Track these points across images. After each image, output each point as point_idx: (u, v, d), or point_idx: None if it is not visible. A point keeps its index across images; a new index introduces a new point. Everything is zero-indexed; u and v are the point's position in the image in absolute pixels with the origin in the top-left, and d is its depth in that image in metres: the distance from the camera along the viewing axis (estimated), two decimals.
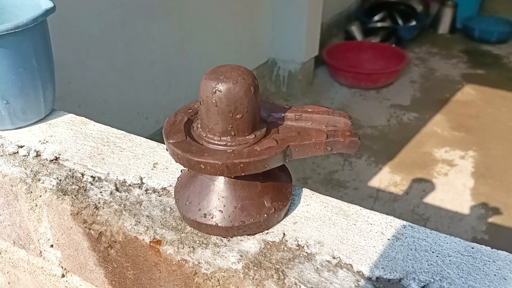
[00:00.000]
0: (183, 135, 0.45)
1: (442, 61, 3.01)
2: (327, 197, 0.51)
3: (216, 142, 0.44)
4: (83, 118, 0.65)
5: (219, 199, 0.46)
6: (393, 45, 2.94)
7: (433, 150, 2.13)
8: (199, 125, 0.47)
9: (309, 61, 2.53)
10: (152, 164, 0.57)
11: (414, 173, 1.97)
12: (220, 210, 0.46)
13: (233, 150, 0.43)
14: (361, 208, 0.50)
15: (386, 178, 1.94)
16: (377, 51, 2.86)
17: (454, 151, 2.13)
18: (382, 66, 2.73)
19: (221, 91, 0.42)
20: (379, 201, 1.83)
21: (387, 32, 3.08)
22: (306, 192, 0.52)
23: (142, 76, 1.71)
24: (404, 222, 0.47)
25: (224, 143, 0.44)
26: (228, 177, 0.46)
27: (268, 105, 0.50)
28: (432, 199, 1.84)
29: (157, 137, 1.82)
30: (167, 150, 0.46)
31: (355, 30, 3.09)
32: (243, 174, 0.43)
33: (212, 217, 0.46)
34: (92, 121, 0.64)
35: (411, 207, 1.80)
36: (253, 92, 0.43)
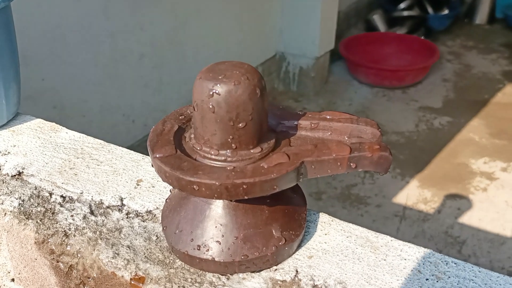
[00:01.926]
0: (172, 148, 0.42)
1: (480, 56, 2.98)
2: (350, 224, 0.48)
3: (213, 157, 0.42)
4: (53, 124, 0.62)
5: (216, 227, 0.43)
6: (422, 37, 2.91)
7: (469, 161, 2.09)
8: (192, 136, 0.44)
9: (323, 56, 2.51)
10: (136, 181, 0.54)
11: (447, 188, 1.93)
12: (217, 241, 0.43)
13: (234, 167, 0.40)
14: (393, 238, 0.47)
15: (414, 194, 1.91)
16: (403, 44, 2.83)
17: (494, 162, 2.09)
18: (409, 62, 2.70)
19: (219, 94, 0.39)
20: (405, 221, 1.80)
21: (415, 22, 3.05)
22: (323, 217, 0.49)
23: (129, 72, 1.69)
24: (447, 258, 0.44)
25: (223, 158, 0.41)
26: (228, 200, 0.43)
27: (277, 110, 0.47)
28: (468, 219, 1.80)
29: (144, 144, 1.79)
30: (152, 165, 0.43)
31: (378, 19, 3.06)
32: (246, 197, 0.40)
33: (208, 250, 0.43)
34: (64, 128, 0.61)
35: (444, 228, 1.77)
36: (259, 95, 0.40)
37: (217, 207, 0.44)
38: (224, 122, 0.40)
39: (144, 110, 1.80)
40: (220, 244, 0.43)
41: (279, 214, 0.45)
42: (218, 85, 0.39)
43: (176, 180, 0.40)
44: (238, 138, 0.41)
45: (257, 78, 0.41)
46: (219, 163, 0.41)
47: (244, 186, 0.39)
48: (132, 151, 0.58)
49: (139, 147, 1.77)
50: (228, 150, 0.42)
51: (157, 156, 0.41)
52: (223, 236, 0.43)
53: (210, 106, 0.40)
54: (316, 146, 0.43)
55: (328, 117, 0.46)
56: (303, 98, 2.52)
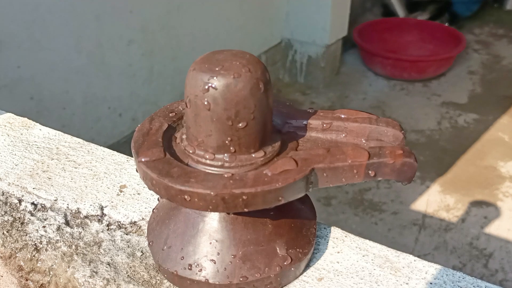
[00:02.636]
0: (160, 151, 0.40)
1: (511, 46, 2.96)
2: (366, 241, 0.46)
3: (208, 161, 0.40)
4: (25, 119, 0.60)
5: (211, 243, 0.41)
6: (446, 24, 2.89)
7: (498, 164, 2.07)
8: (184, 136, 0.42)
9: (335, 44, 2.49)
10: (118, 187, 0.52)
11: (472, 194, 1.92)
12: (212, 260, 0.41)
13: (232, 174, 0.38)
14: (416, 258, 0.44)
15: (436, 200, 1.89)
16: (425, 32, 2.82)
17: None
18: (431, 52, 2.69)
19: (216, 89, 0.37)
20: (425, 231, 1.78)
21: (439, 7, 3.03)
22: (336, 232, 0.47)
23: (116, 60, 1.68)
24: (479, 282, 0.42)
25: (220, 163, 0.39)
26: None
27: (283, 107, 0.45)
28: (496, 229, 1.79)
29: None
30: (137, 171, 0.41)
31: (396, 3, 3.04)
32: (246, 210, 0.38)
33: (201, 270, 0.41)
34: (37, 124, 0.59)
35: (469, 239, 1.75)
36: (262, 90, 0.38)
37: (212, 220, 0.42)
38: (221, 121, 0.38)
39: (133, 103, 1.79)
40: (215, 263, 0.41)
41: (285, 228, 0.43)
42: (215, 77, 0.37)
43: (164, 189, 0.38)
44: (238, 140, 0.39)
45: (261, 70, 0.39)
46: (215, 169, 0.39)
47: (244, 197, 0.37)
48: (115, 152, 0.56)
49: (125, 144, 1.76)
50: (225, 154, 0.40)
51: (143, 160, 0.39)
52: (218, 254, 0.41)
53: (205, 103, 0.38)
54: (328, 150, 0.41)
55: (342, 116, 0.44)
56: (311, 91, 2.50)
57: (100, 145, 1.63)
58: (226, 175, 0.38)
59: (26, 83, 1.43)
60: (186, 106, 0.40)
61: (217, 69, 0.38)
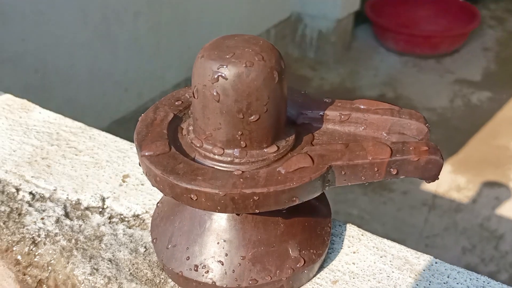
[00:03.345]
0: (165, 144, 0.37)
1: None
2: (384, 240, 0.43)
3: (216, 157, 0.37)
4: (25, 101, 0.57)
5: (218, 243, 0.39)
6: None
7: (511, 144, 2.04)
8: (191, 128, 0.39)
9: (346, 18, 2.44)
10: (121, 177, 0.49)
11: (484, 174, 1.89)
12: (219, 261, 0.38)
13: (242, 171, 0.35)
14: (438, 261, 0.42)
15: (446, 180, 1.86)
16: (439, 7, 2.76)
17: None
18: (444, 27, 2.63)
19: (226, 78, 0.34)
20: (435, 211, 1.76)
21: None
22: (351, 230, 0.44)
23: (122, 33, 1.64)
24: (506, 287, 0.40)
25: (229, 159, 0.36)
26: None
27: (298, 97, 0.42)
28: (508, 210, 1.76)
29: (139, 115, 1.76)
30: (140, 165, 0.38)
31: None
32: (257, 211, 0.35)
33: (208, 272, 0.38)
34: (37, 107, 0.56)
35: (479, 220, 1.73)
36: (277, 81, 0.35)
37: (220, 219, 0.39)
38: (231, 114, 0.35)
39: (139, 78, 1.76)
40: (223, 265, 0.38)
41: (298, 228, 0.40)
42: (225, 66, 0.34)
43: (169, 187, 0.35)
44: (249, 134, 0.36)
45: (275, 58, 0.36)
46: (224, 165, 0.36)
47: (255, 197, 0.34)
48: (117, 138, 0.53)
49: (131, 120, 1.73)
50: (235, 149, 0.37)
51: (146, 154, 0.36)
52: (226, 255, 0.39)
53: (214, 93, 0.35)
54: (347, 146, 0.38)
55: (362, 106, 0.41)
56: (321, 67, 2.46)
57: (106, 121, 1.60)
58: (236, 173, 0.35)
59: (30, 56, 1.40)
60: (194, 97, 0.37)
61: (227, 56, 0.35)
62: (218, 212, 0.35)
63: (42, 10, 1.38)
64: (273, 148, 0.37)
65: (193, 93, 0.37)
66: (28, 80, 1.42)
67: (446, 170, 1.90)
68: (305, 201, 0.37)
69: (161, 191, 0.36)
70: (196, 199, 0.35)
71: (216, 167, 0.36)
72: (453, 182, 1.86)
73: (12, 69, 1.37)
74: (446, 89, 2.35)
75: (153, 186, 0.37)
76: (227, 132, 0.36)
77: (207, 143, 0.37)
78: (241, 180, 0.35)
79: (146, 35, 1.73)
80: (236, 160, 0.37)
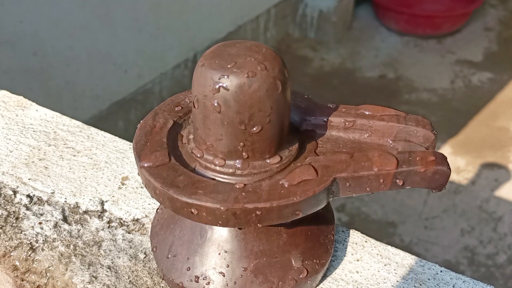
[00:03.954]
0: (165, 154, 0.36)
1: None
2: (388, 247, 0.42)
3: (217, 168, 0.35)
4: (21, 98, 0.56)
5: (220, 254, 0.38)
6: None
7: (511, 125, 2.03)
8: (191, 137, 0.37)
9: None
10: (120, 179, 0.48)
11: (484, 156, 1.88)
12: (221, 273, 0.37)
13: (244, 184, 0.34)
14: (443, 269, 0.41)
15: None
16: None
17: None
18: (446, 7, 2.60)
19: (228, 89, 0.33)
20: (434, 193, 1.76)
21: None
22: (355, 237, 0.43)
23: (121, 14, 1.61)
24: None
25: (231, 170, 0.35)
26: None
27: (302, 101, 0.41)
28: (507, 192, 1.76)
29: (138, 98, 1.74)
30: (139, 174, 0.37)
31: None
32: (259, 225, 0.34)
33: (209, 283, 0.37)
34: (33, 104, 0.55)
35: (478, 202, 1.73)
36: (280, 90, 0.34)
37: (221, 229, 0.38)
38: (233, 125, 0.34)
39: (139, 59, 1.73)
40: (224, 276, 0.37)
41: (301, 238, 0.39)
42: (226, 77, 0.33)
43: (169, 200, 0.34)
44: (251, 146, 0.35)
45: (278, 67, 0.34)
46: (226, 177, 0.35)
47: (257, 212, 0.33)
48: (116, 138, 0.51)
49: (131, 101, 1.71)
50: (237, 160, 0.35)
51: (145, 165, 0.35)
52: (228, 266, 0.37)
53: (215, 104, 0.33)
54: (352, 156, 0.36)
55: (367, 113, 0.40)
56: (321, 47, 2.43)
57: (106, 102, 1.59)
58: (237, 186, 0.34)
59: (28, 38, 1.38)
60: (194, 106, 0.35)
61: (229, 66, 0.33)
62: (220, 226, 0.34)
63: None
64: (276, 159, 0.36)
65: (193, 103, 0.35)
66: (26, 63, 1.40)
67: (446, 151, 1.89)
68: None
69: (160, 203, 0.35)
70: (197, 213, 0.33)
71: (217, 178, 0.35)
72: (452, 164, 1.86)
73: (10, 51, 1.35)
74: (447, 70, 2.32)
75: (152, 197, 0.36)
76: (228, 143, 0.35)
77: (208, 153, 0.36)
78: (243, 194, 0.33)
79: (146, 15, 1.70)
80: (238, 172, 0.35)
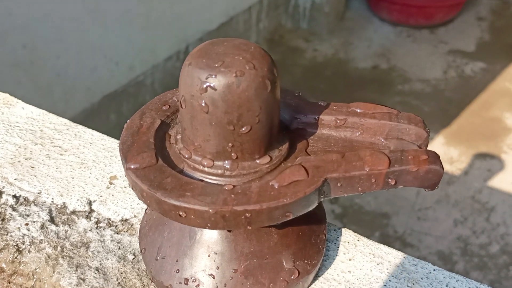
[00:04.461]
0: (152, 155, 0.35)
1: None
2: (381, 246, 0.42)
3: (206, 169, 0.35)
4: (6, 95, 0.55)
5: (209, 256, 0.37)
6: None
7: (503, 115, 2.02)
8: (179, 137, 0.37)
9: None
10: (108, 178, 0.47)
11: (476, 146, 1.88)
12: (211, 275, 0.37)
13: (233, 186, 0.33)
14: (436, 268, 0.40)
15: (439, 152, 1.83)
16: None
17: None
18: None
19: (215, 89, 0.32)
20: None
21: None
22: (347, 236, 0.42)
23: (111, 6, 1.60)
24: None
25: (220, 171, 0.34)
26: None
27: (292, 99, 0.40)
28: (499, 182, 1.76)
29: (130, 90, 1.73)
30: (125, 176, 0.36)
31: None
32: (249, 228, 0.33)
33: (199, 285, 0.37)
34: (19, 102, 0.54)
35: (471, 192, 1.73)
36: (269, 90, 0.33)
37: (211, 230, 0.37)
38: (221, 125, 0.33)
39: (129, 51, 1.72)
40: (214, 278, 0.37)
41: (292, 238, 0.38)
42: (214, 76, 0.32)
43: (156, 203, 0.33)
44: (240, 146, 0.34)
45: (267, 65, 0.33)
46: (214, 178, 0.34)
47: (247, 214, 0.32)
48: (104, 136, 0.50)
49: (123, 94, 1.70)
50: (226, 161, 0.34)
51: (132, 167, 0.34)
52: (218, 268, 0.37)
53: (203, 104, 0.32)
54: (343, 156, 0.35)
55: (358, 110, 0.39)
56: (314, 38, 2.42)
57: (97, 95, 1.58)
58: (226, 187, 0.33)
59: (18, 30, 1.36)
60: (181, 106, 0.34)
61: (216, 65, 0.32)
62: (208, 228, 0.33)
63: None
64: (266, 159, 0.35)
65: (180, 103, 0.34)
66: (16, 56, 1.39)
67: (439, 142, 1.89)
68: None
69: (148, 206, 0.34)
70: (185, 216, 0.33)
71: (206, 179, 0.34)
72: (445, 155, 1.86)
73: None
74: (440, 60, 2.32)
75: (139, 199, 0.35)
76: (217, 144, 0.34)
77: (196, 154, 0.35)
78: (232, 196, 0.33)
79: (136, 6, 1.68)
80: (227, 173, 0.34)
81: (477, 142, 1.91)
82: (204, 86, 0.32)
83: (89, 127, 0.51)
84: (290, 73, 2.21)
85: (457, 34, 2.49)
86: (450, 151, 1.87)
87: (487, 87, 2.17)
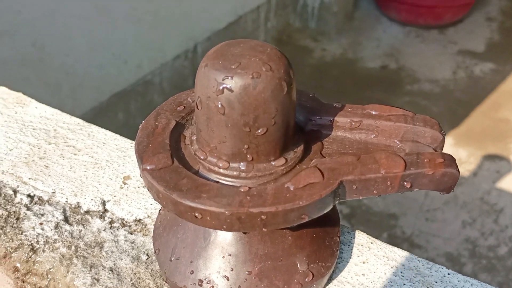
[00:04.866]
0: (167, 156, 0.35)
1: None
2: (395, 248, 0.42)
3: (221, 170, 0.35)
4: (20, 95, 0.55)
5: (224, 257, 0.37)
6: None
7: None
8: (194, 138, 0.37)
9: None
10: (122, 178, 0.47)
11: (486, 147, 1.87)
12: (225, 276, 0.37)
13: (249, 188, 0.33)
14: (451, 271, 0.40)
15: (448, 153, 1.85)
16: None
17: None
18: None
19: (232, 91, 0.32)
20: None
21: None
22: (360, 238, 0.43)
23: (120, 4, 1.60)
24: None
25: (235, 173, 0.35)
26: None
27: (307, 101, 0.40)
28: (508, 183, 1.75)
29: (139, 89, 1.73)
30: (141, 176, 0.36)
31: None
32: (264, 230, 0.33)
33: (213, 287, 0.37)
34: (33, 101, 0.54)
35: (480, 193, 1.72)
36: (286, 92, 0.33)
37: (225, 231, 0.37)
38: (237, 127, 0.33)
39: (138, 49, 1.72)
40: (228, 280, 0.37)
41: (306, 240, 0.38)
42: (230, 78, 0.32)
43: (172, 204, 0.33)
44: (256, 148, 0.34)
45: (284, 67, 0.33)
46: (230, 179, 0.35)
47: (262, 216, 0.32)
48: (117, 136, 0.50)
49: (132, 92, 1.70)
50: (241, 163, 0.35)
51: (148, 168, 0.34)
52: (232, 269, 0.37)
53: (219, 106, 0.33)
54: (358, 158, 0.36)
55: (373, 112, 0.39)
56: (323, 37, 2.41)
57: (106, 94, 1.58)
58: (242, 189, 0.33)
59: (27, 28, 1.36)
60: (197, 107, 0.34)
61: (233, 67, 0.32)
62: (224, 230, 0.34)
63: None
64: (281, 161, 0.35)
65: (196, 104, 0.34)
66: (25, 53, 1.39)
67: (448, 143, 1.89)
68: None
69: (163, 206, 0.35)
70: (200, 218, 0.33)
71: (221, 181, 0.35)
72: (454, 156, 1.83)
73: (8, 42, 1.34)
74: (449, 60, 2.31)
75: (155, 200, 0.35)
76: (232, 145, 0.34)
77: (212, 155, 0.35)
78: (248, 197, 0.33)
79: (145, 4, 1.69)
80: (242, 175, 0.35)
81: (486, 143, 1.90)
82: (221, 87, 0.32)
83: (97, 126, 0.52)
84: (299, 72, 2.20)
85: (467, 34, 2.48)
86: (459, 152, 1.86)
87: (497, 87, 2.16)
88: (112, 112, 1.66)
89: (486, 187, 1.75)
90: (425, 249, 1.53)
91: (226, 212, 0.32)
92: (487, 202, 1.70)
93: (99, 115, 1.58)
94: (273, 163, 0.35)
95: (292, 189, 0.33)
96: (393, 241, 1.52)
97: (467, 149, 1.87)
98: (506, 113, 2.03)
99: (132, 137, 0.50)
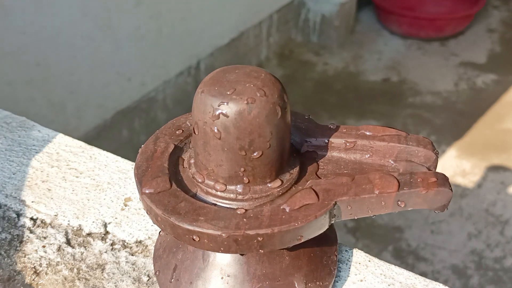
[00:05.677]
0: (166, 180, 0.36)
1: None
2: (392, 266, 0.42)
3: (218, 193, 0.36)
4: (24, 119, 0.56)
5: (222, 278, 0.38)
6: None
7: None
8: (192, 161, 0.38)
9: (349, 1, 2.41)
10: (123, 200, 0.48)
11: (489, 159, 1.87)
12: None
13: (245, 210, 0.34)
14: None
15: (451, 165, 1.85)
16: None
17: None
18: (449, 9, 2.59)
19: (227, 116, 0.33)
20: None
21: None
22: (358, 256, 0.43)
23: (123, 23, 1.62)
24: None
25: (232, 196, 0.35)
26: None
27: (302, 122, 0.41)
28: None
29: (142, 106, 1.75)
30: (140, 200, 0.37)
31: None
32: (261, 251, 0.34)
33: None
34: (36, 124, 0.55)
35: (485, 205, 1.72)
36: (280, 116, 0.34)
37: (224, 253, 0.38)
38: (233, 151, 0.34)
39: (141, 67, 1.74)
40: None
41: (304, 260, 0.39)
42: (226, 104, 0.33)
43: (171, 227, 0.34)
44: (252, 171, 0.35)
45: (278, 92, 0.34)
46: (227, 202, 0.35)
47: (259, 238, 0.33)
48: (118, 158, 0.51)
49: (135, 110, 1.72)
50: (238, 185, 0.35)
51: (147, 192, 0.35)
52: None
53: (216, 131, 0.33)
54: (353, 179, 0.36)
55: (368, 133, 0.40)
56: (324, 51, 2.43)
57: (110, 112, 1.59)
58: (239, 212, 0.34)
59: (31, 49, 1.38)
60: (194, 132, 0.35)
61: (228, 93, 0.33)
62: (222, 252, 0.34)
63: (42, 2, 1.36)
64: (277, 183, 0.36)
65: (193, 129, 0.35)
66: (30, 73, 1.41)
67: (451, 155, 1.89)
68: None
69: (162, 230, 0.35)
70: (198, 240, 0.34)
71: (218, 203, 0.35)
72: (458, 167, 1.85)
73: (13, 62, 1.36)
74: (451, 72, 2.32)
75: (154, 223, 0.36)
76: (229, 168, 0.35)
77: (209, 178, 0.36)
78: (245, 220, 0.34)
79: (148, 24, 1.71)
80: (239, 197, 0.35)
81: (490, 155, 1.90)
82: (217, 113, 0.33)
83: (101, 143, 0.52)
84: (301, 87, 2.22)
85: (468, 46, 2.49)
86: (463, 164, 1.86)
87: (499, 99, 2.17)
88: (116, 130, 1.67)
89: (491, 198, 1.75)
90: (431, 262, 1.53)
91: (223, 235, 0.33)
92: (492, 214, 1.69)
93: (103, 133, 1.59)
94: (269, 185, 0.36)
95: (287, 211, 0.34)
96: (398, 254, 1.52)
97: (471, 161, 1.87)
98: (509, 124, 2.03)
99: (136, 154, 0.51)
